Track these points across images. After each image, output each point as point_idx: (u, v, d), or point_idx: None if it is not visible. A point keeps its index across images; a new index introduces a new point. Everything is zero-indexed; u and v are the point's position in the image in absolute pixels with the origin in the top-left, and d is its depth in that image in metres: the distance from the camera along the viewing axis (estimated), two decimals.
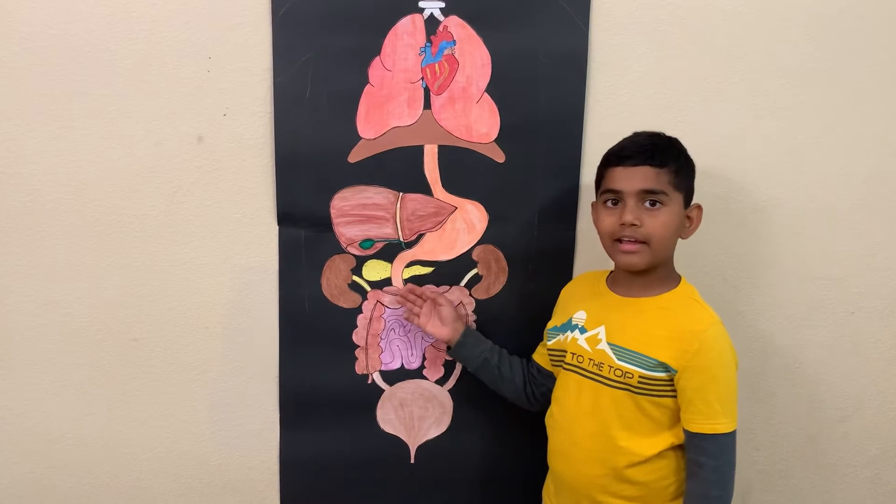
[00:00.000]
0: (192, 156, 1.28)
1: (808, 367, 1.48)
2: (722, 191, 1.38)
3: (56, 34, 1.21)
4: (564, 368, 1.22)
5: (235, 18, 1.24)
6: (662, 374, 1.11)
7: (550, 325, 1.28)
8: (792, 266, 1.43)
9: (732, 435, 1.11)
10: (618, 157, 1.14)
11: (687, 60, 1.33)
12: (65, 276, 1.30)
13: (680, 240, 1.18)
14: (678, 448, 1.16)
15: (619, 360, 1.13)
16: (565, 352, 1.21)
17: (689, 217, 1.16)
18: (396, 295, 1.35)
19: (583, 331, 1.20)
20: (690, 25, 1.31)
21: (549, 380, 1.29)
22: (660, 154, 1.11)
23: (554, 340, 1.25)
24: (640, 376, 1.11)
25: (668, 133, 1.17)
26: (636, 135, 1.16)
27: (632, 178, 1.11)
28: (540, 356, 1.31)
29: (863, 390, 1.50)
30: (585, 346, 1.18)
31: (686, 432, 1.12)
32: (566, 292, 1.31)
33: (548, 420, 1.26)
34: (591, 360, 1.17)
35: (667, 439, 1.14)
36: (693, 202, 1.16)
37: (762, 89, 1.35)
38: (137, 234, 1.30)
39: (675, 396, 1.12)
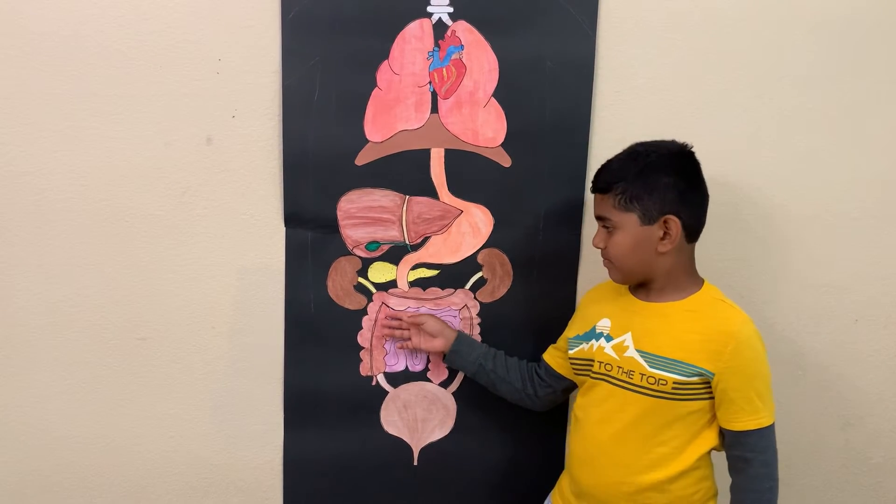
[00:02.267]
0: (200, 157, 1.29)
1: (811, 374, 1.49)
2: (727, 198, 1.38)
3: (67, 35, 1.22)
4: (592, 377, 1.20)
5: (245, 21, 1.25)
6: (697, 379, 1.11)
7: (571, 333, 1.27)
8: (796, 273, 1.43)
9: (773, 426, 1.13)
10: None
11: (693, 67, 1.33)
12: (72, 275, 1.31)
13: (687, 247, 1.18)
14: (705, 456, 1.15)
15: (651, 367, 1.12)
16: (592, 360, 1.20)
17: (666, 230, 1.12)
18: (384, 329, 1.37)
19: (609, 339, 1.19)
20: (697, 32, 1.32)
21: (557, 381, 1.30)
22: (604, 180, 1.16)
23: (576, 349, 1.23)
24: (674, 382, 1.11)
25: (674, 138, 1.17)
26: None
27: (594, 206, 1.19)
28: (552, 357, 1.31)
29: (866, 398, 1.50)
30: (613, 353, 1.17)
31: (727, 431, 1.12)
32: (587, 300, 1.31)
33: (573, 429, 1.25)
34: (619, 367, 1.16)
35: (695, 449, 1.14)
36: (671, 213, 1.11)
37: (768, 96, 1.36)
38: (145, 234, 1.31)
39: (710, 398, 1.12)
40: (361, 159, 1.31)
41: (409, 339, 1.36)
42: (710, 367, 1.10)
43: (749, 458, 1.12)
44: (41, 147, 1.26)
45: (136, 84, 1.25)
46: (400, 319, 1.36)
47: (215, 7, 1.24)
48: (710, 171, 1.21)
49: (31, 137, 1.25)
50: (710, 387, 1.11)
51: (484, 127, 1.31)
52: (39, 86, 1.23)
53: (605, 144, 1.26)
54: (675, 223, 1.12)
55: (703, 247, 1.33)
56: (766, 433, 1.12)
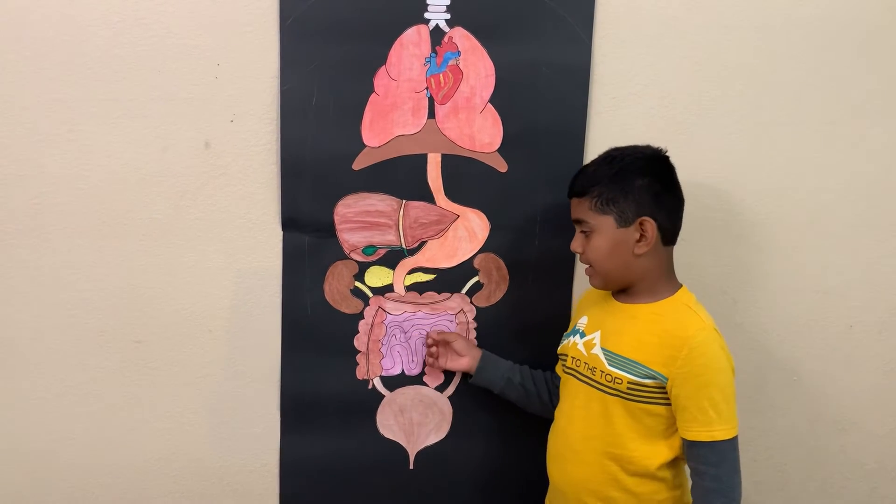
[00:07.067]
0: (198, 161, 1.29)
1: (806, 380, 1.49)
2: (721, 204, 1.39)
3: (66, 40, 1.23)
4: (565, 371, 1.24)
5: (244, 26, 1.25)
6: (651, 382, 1.12)
7: (566, 332, 1.31)
8: (790, 279, 1.44)
9: (733, 441, 1.10)
10: None
11: (688, 74, 1.34)
12: (70, 278, 1.31)
13: (676, 251, 1.19)
14: (675, 462, 1.16)
15: (609, 365, 1.15)
16: (567, 356, 1.24)
17: (642, 232, 1.13)
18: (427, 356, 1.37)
19: (582, 335, 1.22)
20: (692, 40, 1.33)
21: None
22: (579, 184, 1.18)
23: (561, 345, 1.28)
24: (629, 382, 1.12)
25: (669, 144, 1.18)
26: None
27: (571, 211, 1.21)
28: (559, 367, 1.32)
29: (860, 404, 1.51)
30: (582, 349, 1.20)
31: (684, 441, 1.12)
32: (580, 301, 1.34)
33: (552, 425, 1.28)
34: (585, 364, 1.19)
35: (663, 452, 1.14)
36: (646, 215, 1.13)
37: (762, 104, 1.36)
38: (143, 238, 1.31)
39: (667, 404, 1.13)
40: (359, 164, 1.31)
41: (437, 358, 1.35)
42: (664, 370, 1.11)
43: (701, 470, 1.11)
44: (40, 150, 1.26)
45: (135, 88, 1.25)
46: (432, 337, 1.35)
47: (214, 12, 1.25)
48: (704, 177, 1.22)
49: (29, 141, 1.26)
50: (665, 391, 1.12)
51: (480, 132, 1.32)
52: (39, 90, 1.24)
53: (600, 150, 1.27)
54: (650, 225, 1.13)
55: (697, 253, 1.35)
56: (720, 448, 1.09)
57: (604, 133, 1.33)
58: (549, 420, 1.31)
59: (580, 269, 1.39)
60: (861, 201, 1.42)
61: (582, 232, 1.18)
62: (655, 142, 1.20)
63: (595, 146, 1.33)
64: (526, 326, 1.40)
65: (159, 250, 1.32)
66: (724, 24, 1.33)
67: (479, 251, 1.37)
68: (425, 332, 1.39)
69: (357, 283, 1.36)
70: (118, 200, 1.30)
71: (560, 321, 1.40)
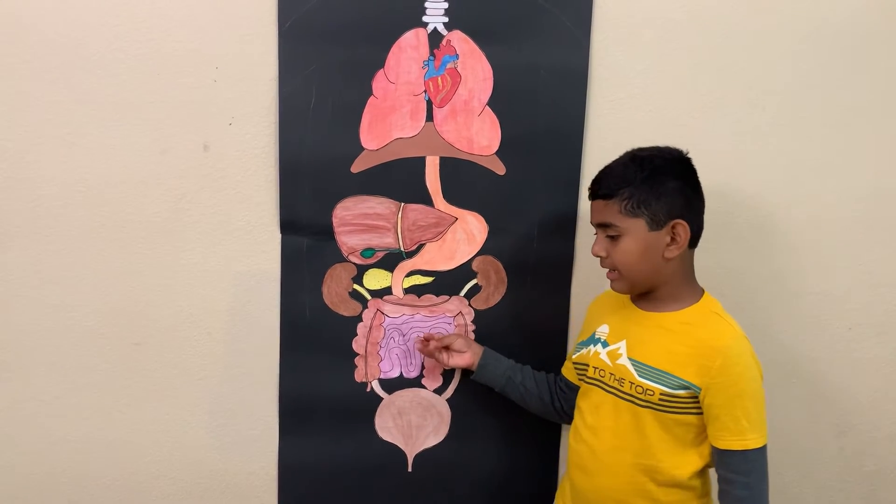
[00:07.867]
0: (197, 164, 1.30)
1: (805, 382, 1.49)
2: (721, 206, 1.38)
3: (66, 43, 1.23)
4: (586, 382, 1.22)
5: (243, 29, 1.26)
6: (684, 392, 1.10)
7: (578, 339, 1.29)
8: (789, 282, 1.44)
9: (762, 450, 1.09)
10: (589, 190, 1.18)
11: (687, 76, 1.34)
12: (69, 280, 1.32)
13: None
14: (703, 471, 1.15)
15: (640, 376, 1.13)
16: (587, 365, 1.21)
17: (673, 234, 1.11)
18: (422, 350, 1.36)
19: (605, 345, 1.20)
20: (691, 42, 1.33)
21: (577, 394, 1.29)
22: (606, 185, 1.13)
23: (578, 354, 1.25)
24: (661, 394, 1.11)
25: (668, 146, 1.18)
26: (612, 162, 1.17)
27: (593, 213, 1.17)
28: (568, 370, 1.32)
29: (859, 406, 1.51)
30: (606, 360, 1.18)
31: (714, 449, 1.11)
32: (593, 307, 1.32)
33: (571, 432, 1.26)
34: (611, 374, 1.17)
35: (693, 461, 1.13)
36: (678, 218, 1.11)
37: (761, 106, 1.37)
38: (142, 240, 1.32)
39: (699, 413, 1.11)
40: (357, 167, 1.31)
41: (438, 358, 1.34)
42: (697, 381, 1.09)
43: (731, 479, 1.10)
44: (39, 153, 1.27)
45: (134, 91, 1.26)
46: (429, 340, 1.34)
47: (213, 16, 1.25)
48: (704, 179, 1.21)
49: (28, 143, 1.26)
50: (697, 401, 1.10)
51: (478, 135, 1.32)
52: (38, 92, 1.24)
53: (598, 153, 1.27)
54: (683, 227, 1.11)
55: (696, 254, 1.34)
56: (752, 456, 1.09)
57: (602, 135, 1.34)
58: (548, 421, 1.31)
59: (578, 271, 1.39)
60: (860, 203, 1.42)
61: (608, 236, 1.14)
62: (653, 144, 1.19)
63: (593, 149, 1.33)
64: (525, 329, 1.40)
65: (158, 253, 1.32)
66: (721, 26, 1.33)
67: (478, 254, 1.37)
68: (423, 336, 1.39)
69: (355, 286, 1.36)
70: (117, 203, 1.30)
71: (559, 323, 1.40)
